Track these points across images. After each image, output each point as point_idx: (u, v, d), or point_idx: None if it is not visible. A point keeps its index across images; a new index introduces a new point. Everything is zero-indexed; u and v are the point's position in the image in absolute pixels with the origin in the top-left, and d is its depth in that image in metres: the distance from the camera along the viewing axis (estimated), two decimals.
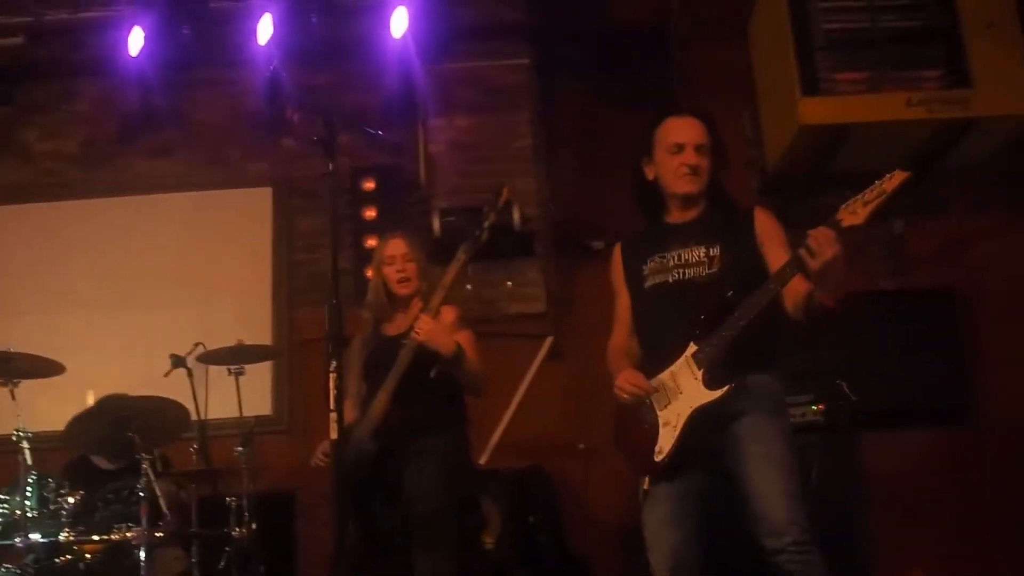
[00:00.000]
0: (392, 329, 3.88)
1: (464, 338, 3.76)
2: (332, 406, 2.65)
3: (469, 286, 3.69)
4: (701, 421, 2.85)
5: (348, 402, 4.02)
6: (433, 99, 5.85)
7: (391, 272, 3.91)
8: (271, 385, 5.53)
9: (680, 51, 5.80)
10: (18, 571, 4.00)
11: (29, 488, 3.94)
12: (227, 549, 4.27)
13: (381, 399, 3.67)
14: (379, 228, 5.56)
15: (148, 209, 5.98)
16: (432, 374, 3.63)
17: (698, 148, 3.07)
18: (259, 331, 5.53)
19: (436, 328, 3.61)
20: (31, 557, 4.01)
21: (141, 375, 4.90)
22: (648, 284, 3.08)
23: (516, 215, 5.31)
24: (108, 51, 5.70)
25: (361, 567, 4.15)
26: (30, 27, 5.90)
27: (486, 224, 3.67)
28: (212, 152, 6.09)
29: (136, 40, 5.44)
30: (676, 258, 3.04)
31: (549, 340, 5.62)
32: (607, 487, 5.23)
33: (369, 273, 4.47)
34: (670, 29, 5.90)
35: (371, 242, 5.53)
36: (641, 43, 5.97)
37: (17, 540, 3.88)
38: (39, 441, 4.08)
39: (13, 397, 4.08)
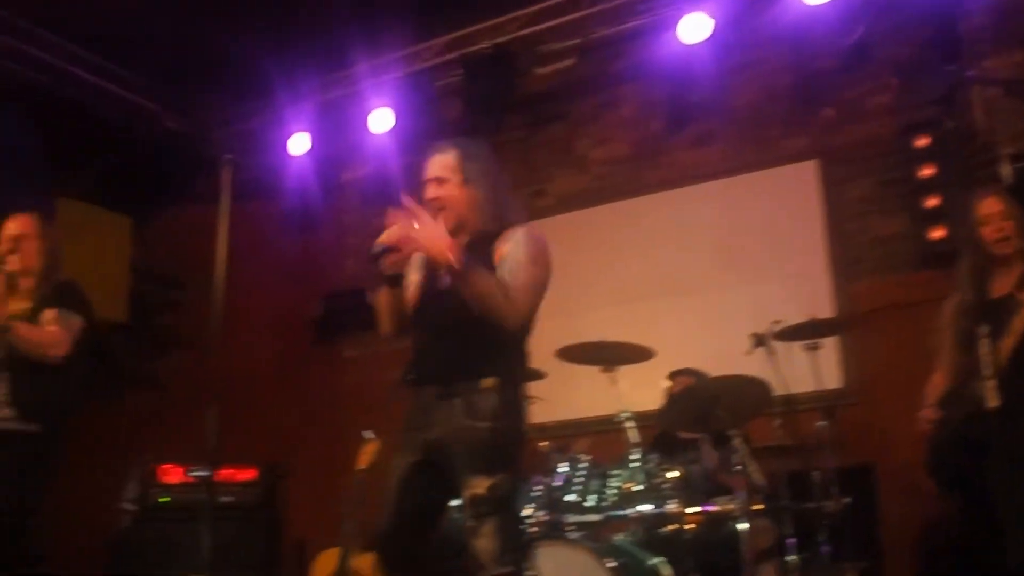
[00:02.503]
0: (996, 291, 3.62)
1: None
2: (987, 373, 2.50)
3: None
4: None
5: (939, 371, 3.84)
6: (983, 37, 5.38)
7: (988, 232, 3.67)
8: (838, 358, 5.46)
9: None
10: (631, 538, 4.39)
11: (635, 464, 4.30)
12: (824, 523, 4.30)
13: (1003, 349, 3.40)
14: (937, 186, 5.28)
15: (696, 198, 6.25)
16: None
17: None
18: (818, 305, 5.48)
19: None
20: (642, 526, 4.39)
21: (711, 354, 5.16)
22: None
23: None
24: (646, 55, 6.08)
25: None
26: (577, 48, 6.49)
27: None
28: (751, 134, 6.19)
29: (695, 28, 5.69)
30: None
31: None
32: None
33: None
34: None
35: (931, 202, 5.27)
36: None
37: (630, 511, 4.25)
38: (638, 420, 4.45)
39: (613, 383, 4.48)
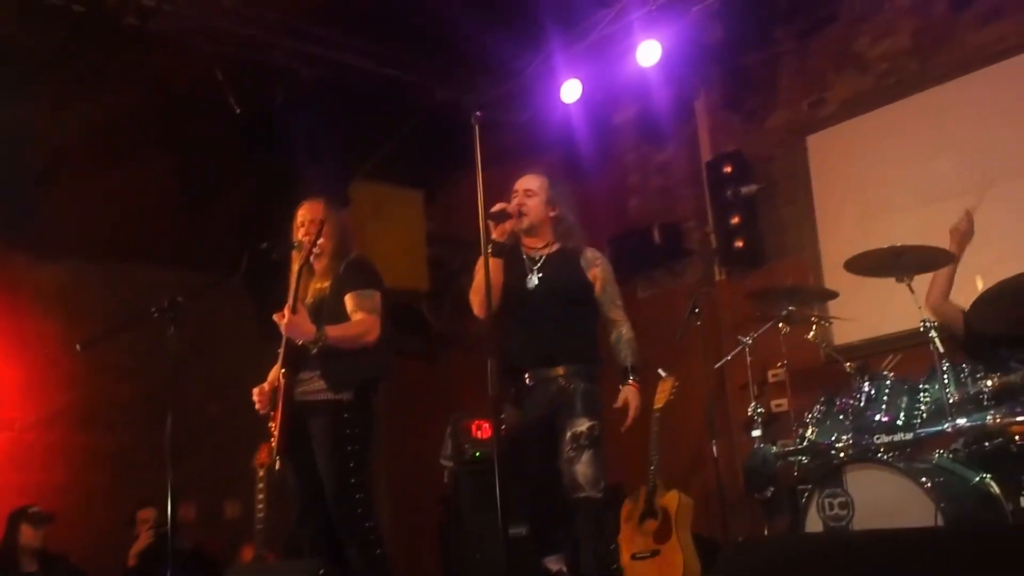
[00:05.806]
0: None
1: None
2: None
3: None
4: None
5: None
6: None
7: None
8: None
9: None
10: (950, 455, 4.09)
11: (945, 376, 3.99)
12: None
13: None
14: None
15: (990, 81, 5.62)
16: None
17: None
18: None
19: None
20: (960, 441, 4.07)
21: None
22: None
23: None
24: None
25: None
26: None
27: None
28: None
29: None
30: None
31: None
32: None
33: None
34: None
35: None
36: None
37: (945, 426, 3.95)
38: (945, 330, 4.11)
39: (912, 291, 4.16)
